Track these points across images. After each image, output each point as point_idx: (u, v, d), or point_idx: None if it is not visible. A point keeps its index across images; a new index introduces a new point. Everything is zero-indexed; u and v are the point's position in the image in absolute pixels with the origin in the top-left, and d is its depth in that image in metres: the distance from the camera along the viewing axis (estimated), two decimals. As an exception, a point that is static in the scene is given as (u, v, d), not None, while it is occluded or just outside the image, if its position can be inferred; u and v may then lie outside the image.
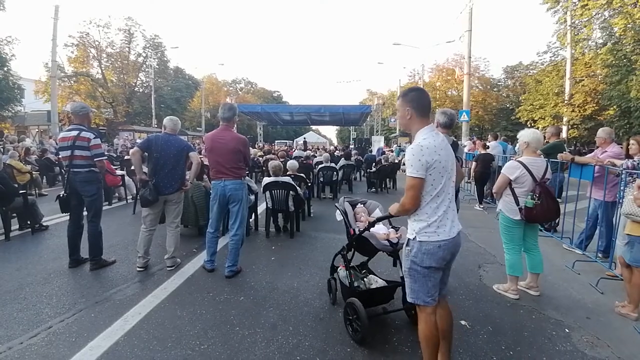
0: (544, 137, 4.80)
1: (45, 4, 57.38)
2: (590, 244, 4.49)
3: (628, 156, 3.99)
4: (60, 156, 4.07)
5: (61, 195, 3.86)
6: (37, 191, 8.43)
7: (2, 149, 10.60)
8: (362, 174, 13.21)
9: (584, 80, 19.05)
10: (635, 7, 14.20)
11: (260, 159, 11.44)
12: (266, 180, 5.26)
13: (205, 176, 5.27)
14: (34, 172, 8.55)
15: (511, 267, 3.27)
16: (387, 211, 2.21)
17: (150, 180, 3.72)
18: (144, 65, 31.74)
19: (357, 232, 2.72)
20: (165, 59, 34.19)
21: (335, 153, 15.62)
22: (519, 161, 3.23)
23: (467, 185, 9.81)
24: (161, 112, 29.66)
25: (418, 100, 1.93)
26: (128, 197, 7.97)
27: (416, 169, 1.80)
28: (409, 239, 1.96)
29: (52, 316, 2.85)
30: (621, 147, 5.30)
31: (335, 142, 57.68)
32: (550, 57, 23.70)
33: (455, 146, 3.13)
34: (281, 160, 7.72)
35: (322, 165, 8.69)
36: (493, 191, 3.55)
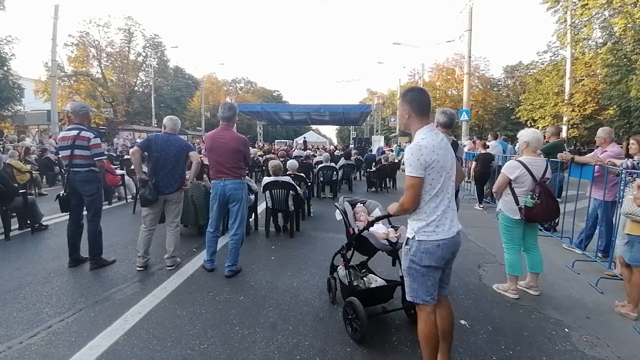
0: (544, 136, 4.80)
1: (45, 3, 57.36)
2: (590, 244, 4.49)
3: (628, 156, 3.99)
4: (60, 156, 4.07)
5: (61, 195, 3.86)
6: (36, 191, 8.43)
7: (2, 149, 10.61)
8: (362, 173, 13.21)
9: (584, 79, 19.05)
10: (635, 6, 14.21)
11: (260, 158, 11.43)
12: (266, 179, 5.27)
13: (205, 176, 5.27)
14: (33, 172, 8.56)
15: (511, 267, 3.27)
16: (387, 210, 2.22)
17: (150, 180, 3.72)
18: (144, 65, 31.77)
19: (357, 232, 2.72)
20: (165, 58, 34.30)
21: (335, 153, 15.61)
22: (518, 161, 3.24)
23: (466, 185, 9.80)
24: (161, 112, 29.72)
25: (417, 100, 1.94)
26: (128, 197, 7.98)
27: (415, 168, 1.81)
28: (408, 238, 1.97)
29: (52, 316, 2.85)
30: (621, 147, 5.31)
31: (335, 141, 57.69)
32: (550, 56, 23.81)
33: (455, 146, 3.14)
34: (281, 159, 7.72)
35: (322, 164, 8.68)
36: (493, 191, 3.56)
